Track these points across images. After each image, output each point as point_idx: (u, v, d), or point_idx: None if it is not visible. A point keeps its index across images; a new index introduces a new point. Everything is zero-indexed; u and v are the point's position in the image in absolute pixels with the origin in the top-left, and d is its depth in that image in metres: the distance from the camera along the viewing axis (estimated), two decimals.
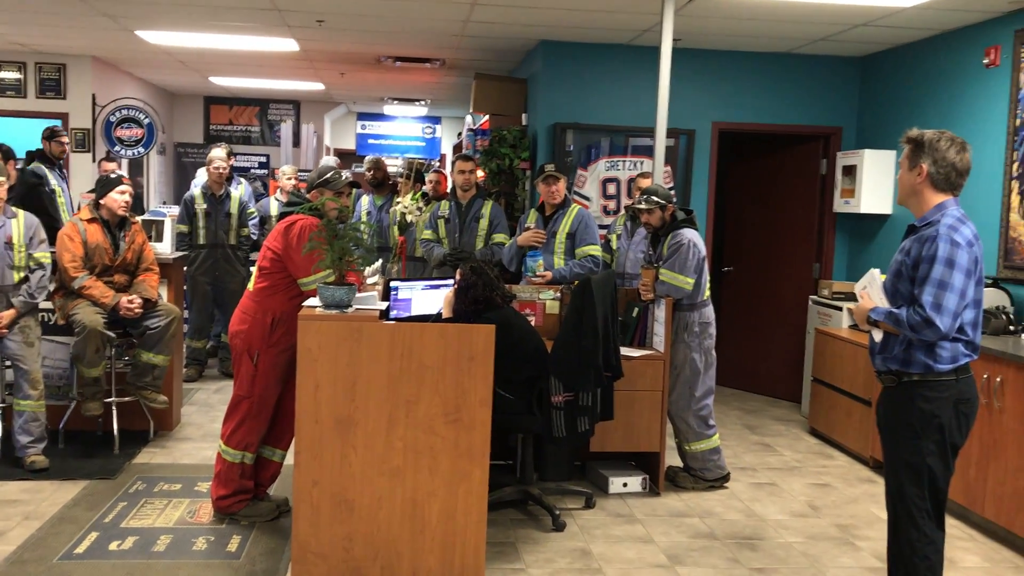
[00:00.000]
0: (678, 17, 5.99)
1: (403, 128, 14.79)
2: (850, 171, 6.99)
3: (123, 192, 5.41)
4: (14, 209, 5.24)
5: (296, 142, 12.79)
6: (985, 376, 4.60)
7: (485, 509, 3.72)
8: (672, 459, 5.39)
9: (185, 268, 7.57)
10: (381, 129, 14.71)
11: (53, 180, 7.41)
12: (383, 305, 3.98)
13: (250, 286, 4.34)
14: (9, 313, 5.04)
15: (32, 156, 7.58)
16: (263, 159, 13.10)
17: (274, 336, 4.22)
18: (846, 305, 6.46)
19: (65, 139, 7.51)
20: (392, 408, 3.63)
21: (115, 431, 5.46)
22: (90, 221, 5.38)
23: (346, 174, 4.41)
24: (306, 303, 3.88)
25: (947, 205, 3.15)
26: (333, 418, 3.62)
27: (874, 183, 6.78)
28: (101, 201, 5.41)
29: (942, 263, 3.00)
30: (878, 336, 3.23)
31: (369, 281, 4.98)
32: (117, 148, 9.26)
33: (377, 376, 3.62)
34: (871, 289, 3.25)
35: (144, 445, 5.61)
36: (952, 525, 4.76)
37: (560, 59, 7.17)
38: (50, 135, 7.51)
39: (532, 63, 7.65)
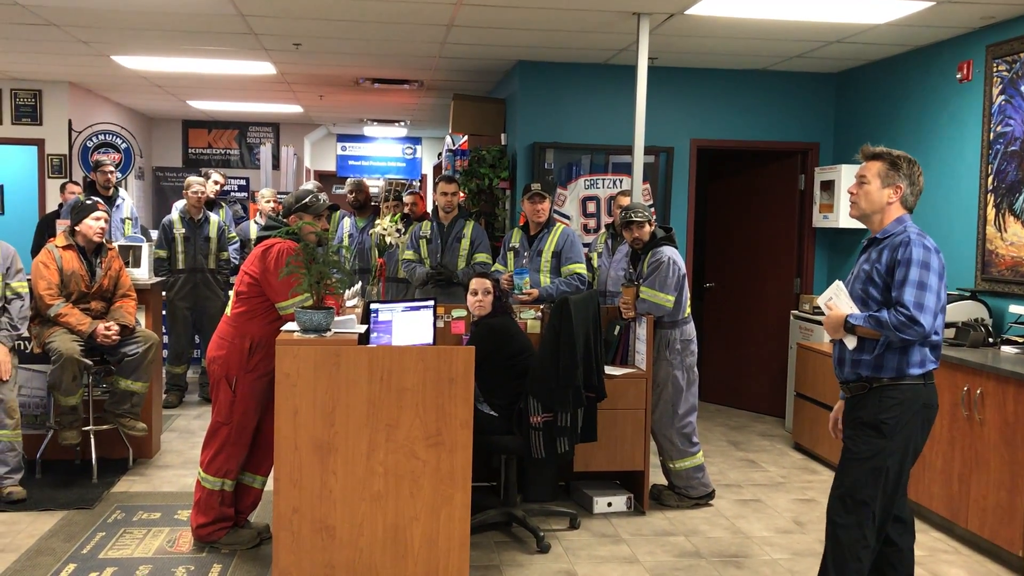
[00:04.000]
0: (654, 36, 6.02)
1: (383, 149, 14.77)
2: (828, 186, 7.03)
3: (98, 218, 5.36)
4: None
5: (276, 165, 12.73)
6: (965, 388, 4.62)
7: (468, 533, 3.69)
8: (657, 477, 5.37)
9: (164, 293, 7.53)
10: (361, 150, 14.68)
11: None
12: (362, 328, 3.95)
13: (228, 311, 4.30)
14: (5, 358, 4.97)
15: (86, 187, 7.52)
16: (243, 182, 13.05)
17: (252, 361, 4.18)
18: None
19: (108, 167, 7.40)
20: (372, 432, 3.60)
21: (93, 460, 5.38)
22: (65, 248, 5.33)
23: (324, 197, 4.39)
24: (284, 327, 3.85)
25: (907, 219, 3.28)
26: (312, 444, 3.58)
27: None
28: (76, 228, 5.37)
29: (918, 265, 3.10)
30: (852, 343, 3.24)
31: (349, 304, 4.96)
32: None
33: (356, 400, 3.58)
34: (838, 300, 3.27)
35: (123, 473, 5.54)
36: (936, 538, 4.77)
37: (538, 79, 7.20)
38: (95, 166, 7.46)
39: (510, 83, 7.67)
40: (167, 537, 4.50)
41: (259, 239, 4.32)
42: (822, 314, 6.53)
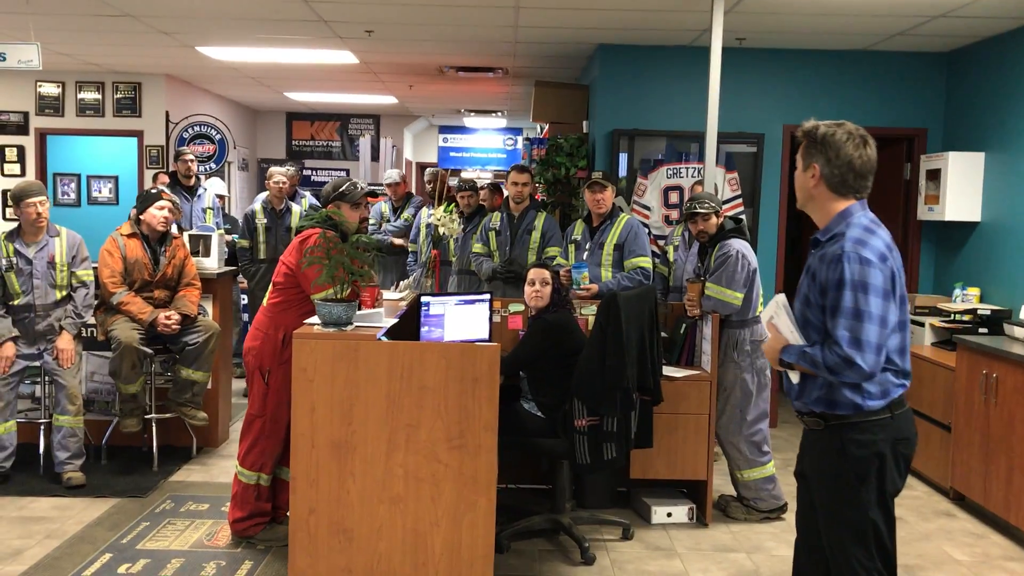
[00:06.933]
0: (739, 15, 5.64)
1: (484, 140, 14.69)
2: (934, 176, 6.46)
3: (162, 208, 5.37)
4: (57, 227, 5.26)
5: (375, 156, 12.80)
6: None
7: (492, 542, 3.46)
8: (727, 487, 5.01)
9: (246, 283, 7.59)
10: (462, 142, 14.64)
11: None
12: (390, 322, 3.76)
13: (264, 301, 4.21)
14: (69, 347, 5.07)
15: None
16: (343, 173, 13.17)
17: (285, 353, 4.05)
18: (928, 321, 5.95)
19: (188, 156, 7.43)
20: (392, 432, 3.42)
21: (154, 448, 5.42)
22: (130, 236, 5.36)
23: (361, 185, 4.23)
24: (307, 320, 3.71)
25: (852, 212, 2.65)
26: (330, 442, 3.43)
27: (960, 188, 6.23)
28: (141, 216, 5.39)
29: (852, 288, 2.51)
30: (795, 378, 2.72)
31: (396, 296, 4.80)
32: None
33: (375, 398, 3.40)
34: (778, 320, 2.71)
35: (185, 462, 5.55)
36: (994, 543, 4.26)
37: (618, 63, 6.87)
38: (176, 156, 7.58)
39: (592, 69, 7.37)
40: (208, 530, 4.45)
41: (298, 229, 4.20)
42: (925, 314, 6.05)
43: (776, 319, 2.72)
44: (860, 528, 2.62)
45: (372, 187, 9.79)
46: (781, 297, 2.74)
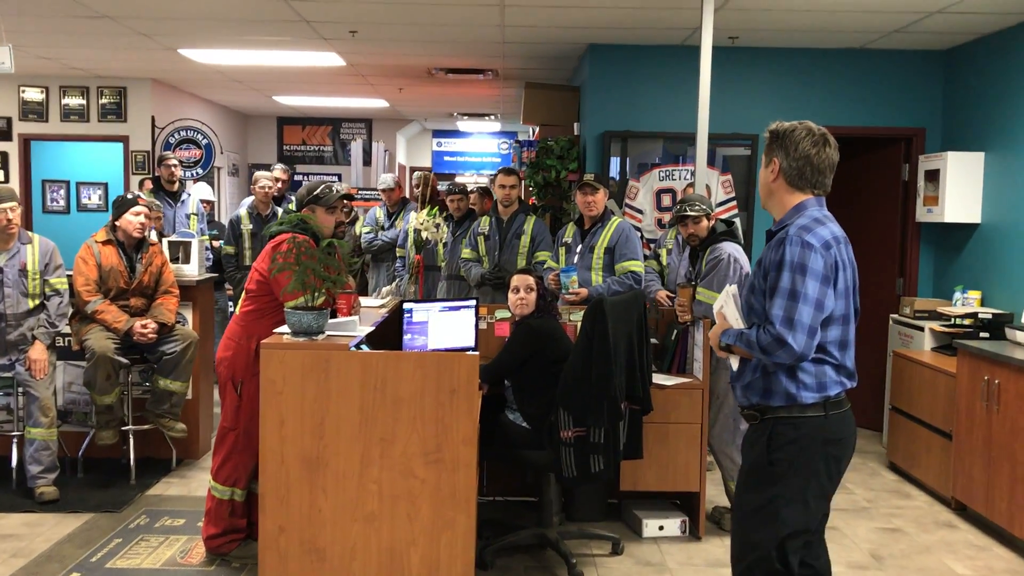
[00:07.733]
0: (732, 13, 5.49)
1: (479, 144, 14.54)
2: (933, 176, 6.30)
3: (138, 213, 5.22)
4: (29, 234, 5.11)
5: (367, 161, 12.63)
6: None
7: (472, 561, 3.31)
8: (721, 498, 4.85)
9: (232, 290, 7.43)
10: (456, 146, 14.50)
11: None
12: (365, 330, 3.61)
13: (236, 309, 4.05)
14: (41, 357, 4.92)
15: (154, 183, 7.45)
16: (335, 178, 13.00)
17: (259, 363, 3.88)
18: (928, 325, 5.80)
19: (171, 161, 7.26)
20: (365, 447, 3.26)
21: (131, 460, 5.26)
22: (105, 243, 5.21)
23: (337, 188, 4.08)
24: (277, 330, 3.55)
25: (806, 205, 2.71)
26: (300, 458, 3.27)
27: (959, 189, 6.07)
28: (117, 223, 5.24)
29: (791, 269, 2.55)
30: (734, 363, 2.77)
31: (377, 302, 4.66)
32: None
33: (348, 411, 3.25)
34: (727, 309, 2.78)
35: (164, 475, 5.39)
36: (998, 556, 4.10)
37: (609, 63, 6.72)
38: (159, 160, 7.41)
39: (582, 70, 7.22)
40: (182, 547, 4.28)
41: (271, 234, 4.05)
42: (924, 318, 5.90)
43: (725, 308, 2.78)
44: (767, 522, 2.63)
45: (364, 191, 9.68)
46: (732, 287, 2.81)
